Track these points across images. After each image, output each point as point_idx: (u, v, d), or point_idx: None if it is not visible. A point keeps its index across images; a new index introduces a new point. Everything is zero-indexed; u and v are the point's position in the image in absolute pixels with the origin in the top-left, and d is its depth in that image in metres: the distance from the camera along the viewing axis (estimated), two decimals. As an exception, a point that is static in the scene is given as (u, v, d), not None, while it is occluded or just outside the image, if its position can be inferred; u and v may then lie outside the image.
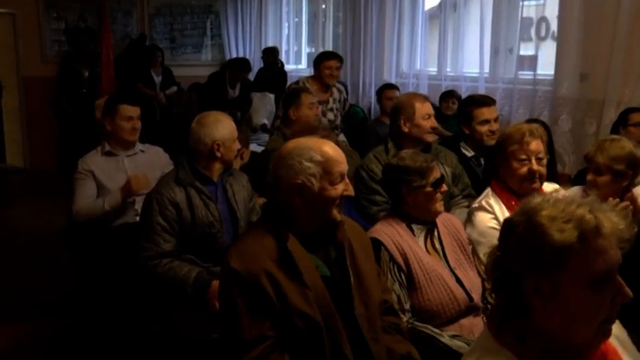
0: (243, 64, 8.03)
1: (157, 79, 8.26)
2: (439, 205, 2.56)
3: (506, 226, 1.38)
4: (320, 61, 5.22)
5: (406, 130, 3.43)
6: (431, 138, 3.46)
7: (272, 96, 7.41)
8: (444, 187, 2.57)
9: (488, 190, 2.91)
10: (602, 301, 1.28)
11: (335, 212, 2.08)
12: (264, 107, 7.25)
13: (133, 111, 3.71)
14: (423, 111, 3.44)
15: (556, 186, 3.06)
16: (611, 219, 1.29)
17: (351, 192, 2.11)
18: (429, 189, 2.52)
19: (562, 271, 1.27)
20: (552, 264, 1.28)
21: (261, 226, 2.12)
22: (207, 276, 2.76)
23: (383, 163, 3.27)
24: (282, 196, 2.07)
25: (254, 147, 5.26)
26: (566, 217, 1.28)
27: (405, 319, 2.34)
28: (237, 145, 3.11)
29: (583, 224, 1.27)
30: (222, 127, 2.98)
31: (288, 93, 4.61)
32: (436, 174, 2.56)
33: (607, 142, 2.99)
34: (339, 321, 2.00)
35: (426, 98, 3.60)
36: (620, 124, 4.30)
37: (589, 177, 2.98)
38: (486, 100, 3.77)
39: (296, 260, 1.99)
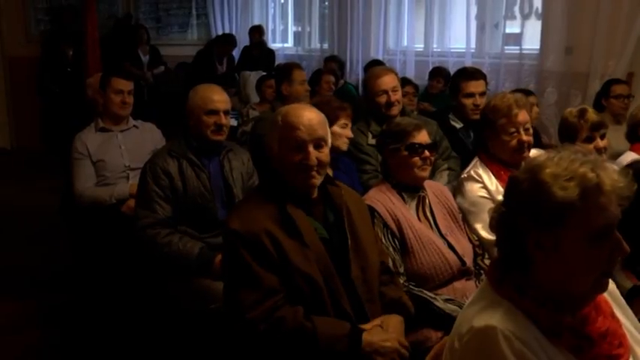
0: (228, 38, 8.08)
1: (145, 59, 8.22)
2: (418, 171, 2.60)
3: (511, 183, 1.42)
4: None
5: (369, 106, 3.59)
6: (390, 111, 3.51)
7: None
8: (426, 154, 2.60)
9: (476, 161, 2.94)
10: (600, 255, 1.33)
11: (297, 179, 2.09)
12: (259, 86, 7.25)
13: (124, 85, 3.75)
14: (376, 88, 3.54)
15: (542, 152, 3.08)
16: (612, 177, 1.33)
17: (309, 161, 2.07)
18: (404, 152, 2.59)
19: (564, 226, 1.32)
20: (554, 220, 1.32)
21: (260, 192, 2.17)
22: (209, 252, 2.77)
23: (366, 135, 3.45)
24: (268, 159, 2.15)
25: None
26: (568, 175, 1.32)
27: (400, 281, 2.38)
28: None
29: (585, 182, 1.31)
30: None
31: (279, 69, 4.64)
32: (414, 139, 2.60)
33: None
34: (338, 281, 2.04)
35: (384, 73, 3.63)
36: (603, 96, 4.37)
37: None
38: (475, 74, 3.80)
39: (295, 222, 2.02)
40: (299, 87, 4.25)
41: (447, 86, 5.42)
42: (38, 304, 3.87)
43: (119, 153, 3.67)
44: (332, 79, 5.41)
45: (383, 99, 3.51)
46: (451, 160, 3.51)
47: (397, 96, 3.56)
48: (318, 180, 2.13)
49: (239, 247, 2.00)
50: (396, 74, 3.70)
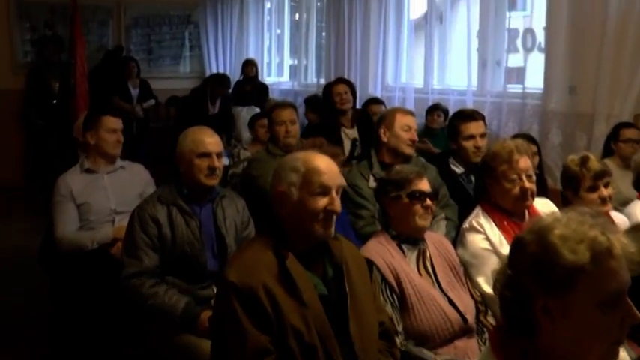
0: (222, 79, 7.99)
1: (134, 92, 8.18)
2: (420, 219, 2.57)
3: (517, 244, 1.39)
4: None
5: (385, 139, 3.54)
6: (409, 150, 3.53)
7: (258, 110, 7.31)
8: (428, 202, 2.58)
9: (478, 210, 2.87)
10: (611, 322, 1.31)
11: (318, 227, 2.04)
12: (252, 121, 7.14)
13: (117, 123, 3.68)
14: (403, 122, 3.53)
15: (547, 201, 3.03)
16: (622, 240, 1.32)
17: (335, 207, 2.05)
18: (405, 200, 2.57)
19: (573, 291, 1.29)
20: (563, 284, 1.30)
21: (260, 241, 2.12)
22: (195, 308, 2.72)
23: (367, 178, 3.46)
24: (273, 207, 2.10)
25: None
26: (578, 238, 1.30)
27: (398, 341, 2.34)
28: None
29: (596, 245, 1.29)
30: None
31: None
32: (416, 187, 2.59)
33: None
34: (334, 341, 1.99)
35: (409, 112, 3.69)
36: (612, 139, 4.29)
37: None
38: (473, 115, 3.75)
39: (295, 279, 1.99)
40: (278, 128, 4.06)
41: (447, 121, 5.32)
42: (18, 350, 3.78)
43: (105, 195, 3.56)
44: None
45: (408, 135, 3.51)
46: (448, 209, 3.43)
47: (416, 138, 3.59)
48: (333, 229, 2.09)
49: (234, 301, 1.95)
50: None
